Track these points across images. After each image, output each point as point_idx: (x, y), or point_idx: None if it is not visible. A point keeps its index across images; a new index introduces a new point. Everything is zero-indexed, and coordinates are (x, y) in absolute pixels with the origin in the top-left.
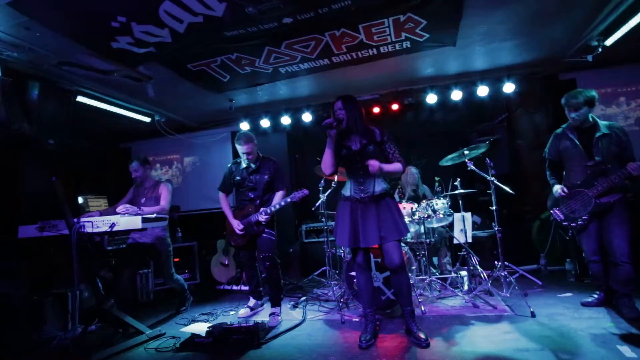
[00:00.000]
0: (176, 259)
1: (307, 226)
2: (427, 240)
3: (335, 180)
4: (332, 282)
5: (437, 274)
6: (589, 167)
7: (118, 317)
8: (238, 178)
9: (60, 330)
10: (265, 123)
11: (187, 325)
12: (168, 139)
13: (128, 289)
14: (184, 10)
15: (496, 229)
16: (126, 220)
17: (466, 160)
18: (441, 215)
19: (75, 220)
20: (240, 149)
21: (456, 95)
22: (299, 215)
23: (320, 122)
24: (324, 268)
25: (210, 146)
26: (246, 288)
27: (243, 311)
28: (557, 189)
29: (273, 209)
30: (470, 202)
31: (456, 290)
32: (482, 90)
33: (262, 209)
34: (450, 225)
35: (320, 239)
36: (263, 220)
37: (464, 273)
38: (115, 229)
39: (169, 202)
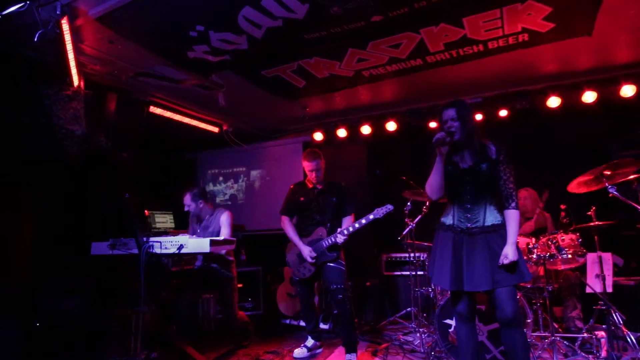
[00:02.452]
0: (239, 285)
1: (389, 256)
2: (549, 287)
3: (427, 204)
4: (420, 329)
5: (560, 330)
6: None
7: (180, 347)
8: (302, 199)
9: (123, 354)
10: (341, 133)
11: None
12: (234, 150)
13: (189, 315)
14: (264, 15)
15: None
16: (194, 242)
17: (606, 183)
18: (569, 255)
19: (145, 239)
20: (308, 165)
21: (589, 97)
22: (379, 242)
23: (407, 130)
24: (409, 309)
25: (280, 158)
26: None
27: (299, 351)
28: None
29: (352, 228)
30: (609, 237)
31: (590, 357)
32: (628, 90)
33: (338, 229)
34: (581, 268)
35: (404, 273)
36: (341, 241)
37: (601, 334)
38: (183, 251)
39: (230, 233)
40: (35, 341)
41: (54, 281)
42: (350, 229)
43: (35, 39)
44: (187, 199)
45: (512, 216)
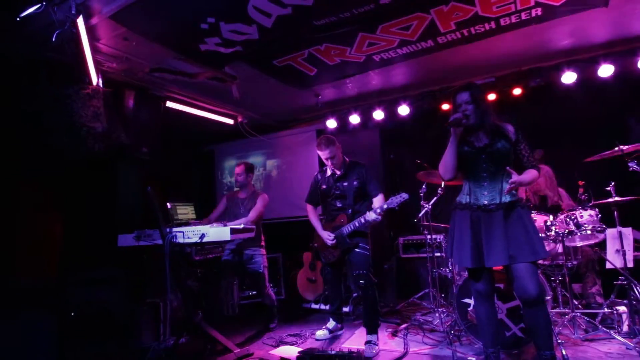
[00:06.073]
0: None
1: (405, 239)
2: (568, 264)
3: (442, 185)
4: (439, 309)
5: (580, 307)
6: None
7: (207, 332)
8: (324, 187)
9: (154, 340)
10: (354, 119)
11: (275, 347)
12: (250, 140)
13: (217, 301)
14: (273, 4)
15: None
16: (215, 231)
17: (626, 158)
18: (588, 231)
19: (168, 230)
20: (322, 153)
21: (606, 70)
22: (395, 226)
23: (420, 114)
24: (427, 290)
25: (295, 147)
26: None
27: (321, 333)
28: None
29: (368, 217)
30: (629, 212)
31: (611, 331)
32: None
33: (357, 215)
34: (601, 244)
35: (422, 255)
36: (372, 219)
37: (622, 309)
38: (204, 240)
39: (260, 215)
40: (71, 330)
41: (84, 274)
42: (367, 217)
43: (53, 39)
44: (242, 169)
45: (530, 171)
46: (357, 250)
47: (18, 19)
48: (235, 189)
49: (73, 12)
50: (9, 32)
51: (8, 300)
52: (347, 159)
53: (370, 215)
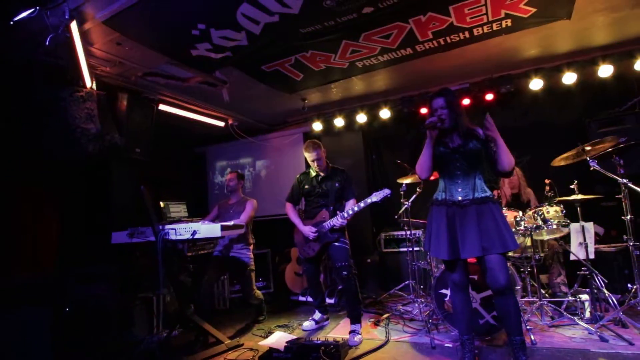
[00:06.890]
0: None
1: (387, 234)
2: (536, 256)
3: (421, 184)
4: (418, 299)
5: (547, 295)
6: None
7: (199, 325)
8: (307, 187)
9: (147, 333)
10: (339, 122)
11: (264, 337)
12: (240, 142)
13: (207, 295)
14: (261, 11)
15: (631, 243)
16: (206, 228)
17: (588, 158)
18: (554, 226)
19: (161, 227)
20: (309, 156)
21: (569, 78)
22: (377, 222)
23: (400, 117)
24: (407, 282)
25: (283, 149)
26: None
27: (308, 324)
28: None
29: (351, 212)
30: (590, 209)
31: (575, 318)
32: (605, 70)
33: (338, 212)
34: (565, 238)
35: (402, 249)
36: (338, 224)
37: (584, 297)
38: (196, 236)
39: (250, 218)
40: (67, 325)
41: (80, 270)
42: (350, 211)
43: (47, 43)
44: (234, 175)
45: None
46: (337, 244)
47: (12, 22)
48: (227, 194)
49: (66, 17)
50: (3, 35)
51: (6, 297)
52: (330, 164)
53: (338, 221)
